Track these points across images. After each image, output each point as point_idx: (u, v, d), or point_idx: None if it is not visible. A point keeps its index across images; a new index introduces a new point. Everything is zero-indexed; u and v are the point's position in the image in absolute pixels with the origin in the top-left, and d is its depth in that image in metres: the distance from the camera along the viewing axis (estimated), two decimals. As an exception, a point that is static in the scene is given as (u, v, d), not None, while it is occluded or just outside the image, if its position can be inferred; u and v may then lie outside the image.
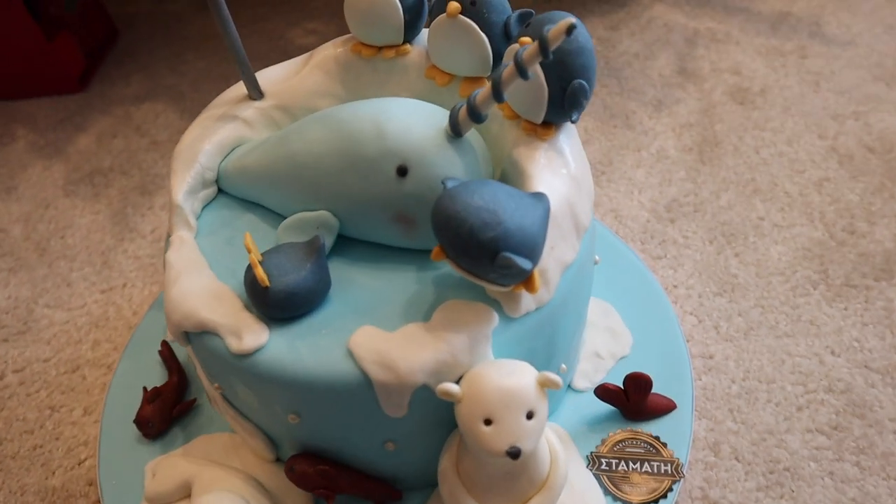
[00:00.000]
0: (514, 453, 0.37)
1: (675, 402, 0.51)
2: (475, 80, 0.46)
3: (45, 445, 0.57)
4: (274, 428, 0.45)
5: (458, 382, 0.38)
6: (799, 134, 0.73)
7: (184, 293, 0.42)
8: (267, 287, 0.39)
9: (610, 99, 0.82)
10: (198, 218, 0.48)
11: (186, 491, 0.48)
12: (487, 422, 0.37)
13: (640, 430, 0.50)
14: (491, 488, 0.41)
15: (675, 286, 0.62)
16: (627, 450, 0.49)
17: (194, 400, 0.54)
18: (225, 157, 0.49)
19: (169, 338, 0.58)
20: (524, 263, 0.35)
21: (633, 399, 0.50)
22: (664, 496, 0.47)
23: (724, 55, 0.86)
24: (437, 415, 0.41)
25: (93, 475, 0.55)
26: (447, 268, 0.43)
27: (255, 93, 0.50)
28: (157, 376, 0.56)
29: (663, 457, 0.49)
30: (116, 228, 0.74)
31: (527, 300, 0.40)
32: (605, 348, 0.55)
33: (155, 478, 0.49)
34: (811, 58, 0.81)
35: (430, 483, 0.47)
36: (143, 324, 0.61)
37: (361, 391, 0.39)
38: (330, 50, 0.51)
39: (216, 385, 0.45)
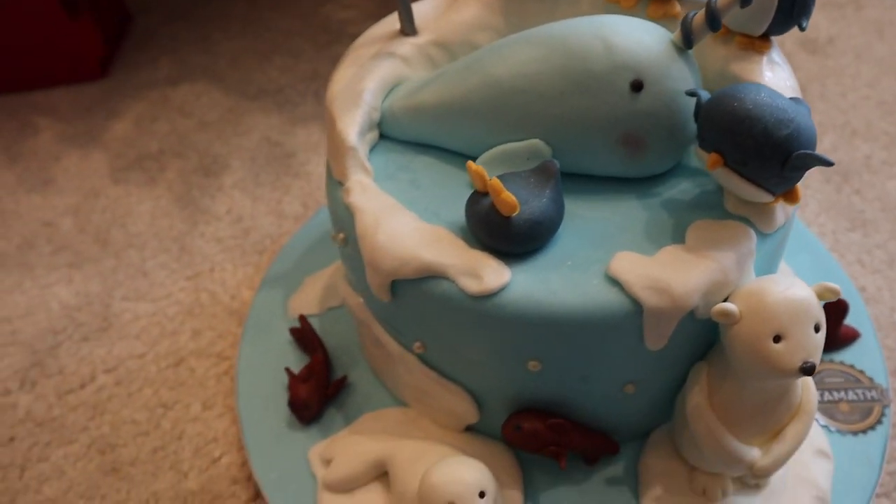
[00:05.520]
0: (810, 368, 0.34)
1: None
2: (664, 1, 0.44)
3: (166, 447, 0.50)
4: (492, 383, 0.40)
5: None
6: (878, 78, 0.74)
7: (395, 237, 0.37)
8: (508, 217, 0.35)
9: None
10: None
11: (377, 471, 0.43)
12: (777, 339, 0.34)
13: (831, 359, 0.49)
14: (747, 420, 0.38)
15: (809, 224, 0.60)
16: (827, 380, 0.47)
17: (345, 377, 0.49)
18: (385, 97, 0.44)
19: (312, 311, 0.52)
20: (827, 158, 0.33)
21: (828, 327, 0.48)
22: (879, 422, 0.45)
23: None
24: (691, 345, 0.38)
25: (235, 472, 0.48)
26: (669, 192, 0.40)
27: (410, 27, 0.46)
28: (286, 358, 0.51)
29: (864, 384, 0.47)
30: (185, 212, 0.67)
31: (779, 214, 0.38)
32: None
33: (335, 463, 0.44)
34: (867, 8, 0.83)
35: (643, 434, 0.44)
36: (256, 304, 0.55)
37: (628, 322, 0.35)
38: (487, -21, 0.47)
39: (418, 343, 0.40)
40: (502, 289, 0.35)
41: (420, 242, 0.37)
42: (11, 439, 0.52)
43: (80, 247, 0.65)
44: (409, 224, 0.38)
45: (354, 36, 0.88)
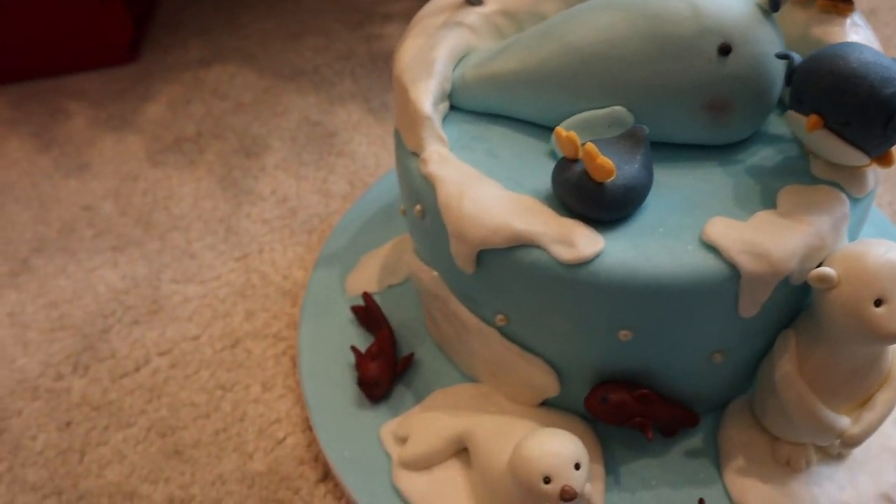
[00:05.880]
0: (912, 333, 0.33)
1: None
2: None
3: (228, 429, 0.50)
4: (577, 355, 0.40)
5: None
6: (922, 50, 0.74)
7: (482, 206, 0.36)
8: (601, 183, 0.34)
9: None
10: (440, 134, 0.42)
11: (456, 448, 0.43)
12: (878, 302, 0.33)
13: None
14: (838, 388, 0.37)
15: (864, 197, 0.60)
16: None
17: (412, 354, 0.48)
18: (454, 67, 0.43)
19: (372, 290, 0.52)
20: (934, 117, 0.32)
21: None
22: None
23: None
24: (781, 313, 0.37)
25: (301, 453, 0.48)
26: (751, 159, 0.39)
27: (476, -3, 0.45)
28: (349, 337, 0.50)
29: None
30: (228, 193, 0.66)
31: (870, 178, 0.37)
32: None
33: (411, 440, 0.43)
34: (904, -20, 0.82)
35: (721, 405, 0.43)
36: (313, 284, 0.54)
37: (724, 288, 0.35)
38: (552, -53, 0.46)
39: (500, 316, 0.40)
40: (596, 256, 0.35)
41: (508, 211, 0.36)
42: (68, 423, 0.51)
43: (122, 230, 0.64)
44: (494, 193, 0.37)
45: (385, 15, 0.87)
